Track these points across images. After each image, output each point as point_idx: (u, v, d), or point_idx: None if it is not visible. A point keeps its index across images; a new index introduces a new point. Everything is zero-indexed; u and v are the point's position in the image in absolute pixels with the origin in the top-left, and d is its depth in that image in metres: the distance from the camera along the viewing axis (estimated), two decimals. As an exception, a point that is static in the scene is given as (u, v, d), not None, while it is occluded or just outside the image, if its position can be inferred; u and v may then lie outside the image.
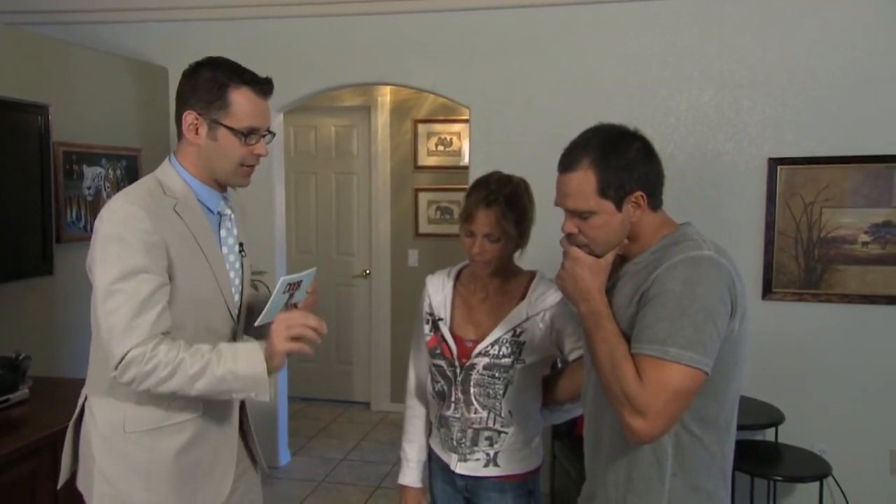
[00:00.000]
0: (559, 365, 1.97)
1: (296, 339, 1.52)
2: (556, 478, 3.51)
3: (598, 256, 1.47)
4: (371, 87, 4.90)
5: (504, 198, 1.78)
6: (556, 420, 2.02)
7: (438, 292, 1.94)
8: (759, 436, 3.26)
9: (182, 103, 1.62)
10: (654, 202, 1.48)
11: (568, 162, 1.46)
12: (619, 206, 1.43)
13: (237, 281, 1.74)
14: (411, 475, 2.01)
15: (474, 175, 2.99)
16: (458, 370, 1.85)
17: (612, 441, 1.50)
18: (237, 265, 1.74)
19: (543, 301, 1.83)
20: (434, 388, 1.92)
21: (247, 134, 1.61)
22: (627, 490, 1.48)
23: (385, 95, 5.02)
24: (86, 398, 1.68)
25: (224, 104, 1.59)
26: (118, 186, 3.46)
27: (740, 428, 1.56)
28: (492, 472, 1.86)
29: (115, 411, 1.60)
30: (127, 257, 1.49)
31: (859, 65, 3.25)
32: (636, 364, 1.36)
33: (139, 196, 1.57)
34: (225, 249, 1.71)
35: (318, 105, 4.79)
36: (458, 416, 1.86)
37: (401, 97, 4.99)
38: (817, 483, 2.97)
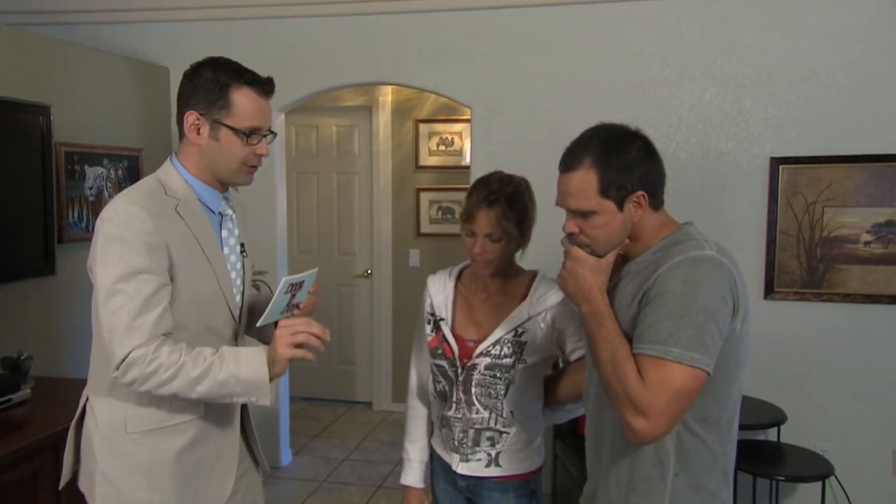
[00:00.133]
0: (561, 365, 1.97)
1: (299, 345, 1.52)
2: (558, 478, 3.51)
3: (599, 256, 1.47)
4: (372, 87, 4.91)
5: (505, 197, 1.78)
6: (557, 420, 2.02)
7: (440, 292, 1.94)
8: (761, 435, 3.25)
9: (183, 104, 1.62)
10: (656, 202, 1.47)
11: (569, 162, 1.46)
12: (620, 206, 1.43)
13: (238, 281, 1.74)
14: (413, 475, 2.01)
15: (475, 175, 2.98)
16: (459, 370, 1.85)
17: (614, 441, 1.50)
18: (238, 265, 1.74)
19: (545, 301, 1.82)
20: (435, 389, 1.91)
21: (249, 134, 1.61)
22: (629, 490, 1.47)
23: (386, 95, 5.02)
24: (87, 398, 1.68)
25: (226, 104, 1.59)
26: (120, 186, 3.46)
27: (742, 428, 1.56)
28: (493, 472, 1.86)
29: (117, 411, 1.60)
30: (128, 258, 1.49)
31: (862, 64, 3.24)
32: (638, 364, 1.36)
33: (140, 196, 1.57)
34: (226, 250, 1.71)
35: (320, 105, 4.79)
36: (459, 416, 1.86)
37: (402, 97, 4.99)
38: (819, 483, 2.97)
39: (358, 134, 5.18)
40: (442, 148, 4.99)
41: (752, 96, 3.37)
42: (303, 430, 4.73)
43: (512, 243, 1.81)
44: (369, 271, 5.19)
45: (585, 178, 1.42)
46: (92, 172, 3.36)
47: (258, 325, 1.64)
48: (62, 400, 2.51)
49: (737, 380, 1.45)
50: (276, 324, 1.62)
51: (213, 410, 1.66)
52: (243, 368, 1.50)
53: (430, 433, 2.02)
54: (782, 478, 2.99)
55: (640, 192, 1.43)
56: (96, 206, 3.34)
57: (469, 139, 3.99)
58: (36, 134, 3.00)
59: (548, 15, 3.55)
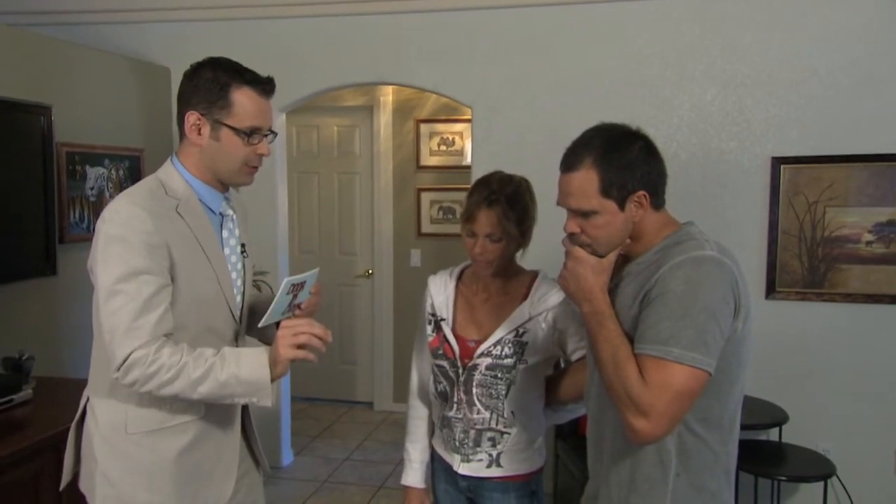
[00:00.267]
0: (562, 365, 1.97)
1: (300, 346, 1.52)
2: (560, 478, 3.51)
3: (600, 256, 1.46)
4: (373, 87, 4.91)
5: (506, 197, 1.77)
6: (559, 420, 2.02)
7: (440, 292, 1.93)
8: (762, 435, 3.25)
9: (184, 104, 1.62)
10: (657, 201, 1.47)
11: (570, 161, 1.46)
12: (621, 206, 1.43)
13: (239, 282, 1.74)
14: (414, 476, 2.01)
15: (476, 174, 2.98)
16: (460, 370, 1.84)
17: (615, 441, 1.50)
18: (239, 266, 1.74)
19: (546, 301, 1.82)
20: (436, 389, 1.91)
21: (249, 134, 1.61)
22: (630, 490, 1.47)
23: (387, 95, 5.02)
24: (87, 399, 1.68)
25: (226, 104, 1.59)
26: (121, 187, 3.46)
27: (744, 428, 1.55)
28: (495, 472, 1.85)
29: (117, 412, 1.60)
30: (129, 258, 1.49)
31: (862, 63, 3.24)
32: (639, 364, 1.35)
33: (141, 197, 1.57)
34: (227, 250, 1.71)
35: (321, 105, 4.79)
36: (460, 416, 1.85)
37: (403, 97, 4.99)
38: (821, 483, 2.97)
39: (359, 134, 5.18)
40: (443, 148, 4.99)
41: (753, 96, 3.36)
42: (304, 430, 4.73)
43: (512, 243, 1.81)
44: (370, 271, 5.19)
45: (586, 178, 1.42)
46: (93, 173, 3.36)
47: (260, 325, 1.64)
48: (63, 400, 2.51)
49: (738, 380, 1.44)
50: (277, 324, 1.62)
51: (213, 411, 1.66)
52: (244, 369, 1.50)
53: (431, 433, 2.02)
54: (784, 478, 2.99)
55: (641, 192, 1.43)
56: (97, 207, 3.34)
57: (470, 139, 3.99)
58: (37, 134, 3.00)
59: (547, 15, 3.55)
